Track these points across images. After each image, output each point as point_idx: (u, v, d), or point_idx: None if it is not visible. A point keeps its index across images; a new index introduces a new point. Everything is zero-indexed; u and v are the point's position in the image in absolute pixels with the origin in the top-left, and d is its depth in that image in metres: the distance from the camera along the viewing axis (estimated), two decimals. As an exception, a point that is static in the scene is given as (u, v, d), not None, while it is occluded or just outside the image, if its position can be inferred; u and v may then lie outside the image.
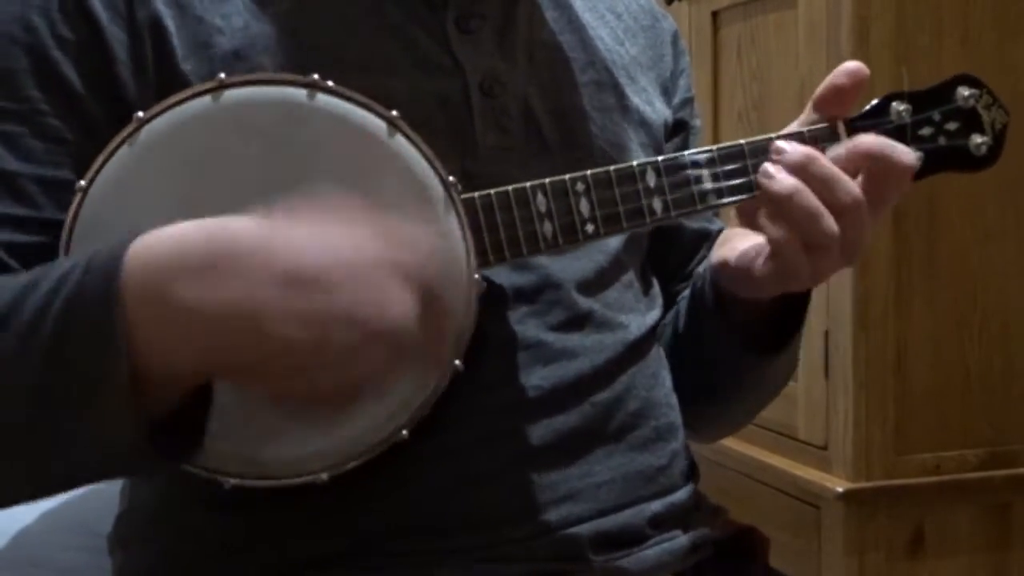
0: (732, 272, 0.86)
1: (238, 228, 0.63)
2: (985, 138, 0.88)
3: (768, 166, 0.79)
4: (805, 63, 1.80)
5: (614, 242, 0.88)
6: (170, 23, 0.77)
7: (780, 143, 0.81)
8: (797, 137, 0.83)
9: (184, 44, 0.77)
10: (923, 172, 0.85)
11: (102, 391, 0.62)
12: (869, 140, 0.80)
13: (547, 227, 0.77)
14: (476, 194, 0.75)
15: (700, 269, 0.96)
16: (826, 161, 0.79)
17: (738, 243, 0.86)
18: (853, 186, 0.79)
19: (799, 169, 0.79)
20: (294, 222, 0.63)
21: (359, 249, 0.63)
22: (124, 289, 0.62)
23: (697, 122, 1.02)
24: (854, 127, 0.84)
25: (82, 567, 1.01)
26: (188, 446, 0.67)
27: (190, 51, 0.77)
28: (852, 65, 0.83)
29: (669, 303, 0.99)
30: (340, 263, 0.62)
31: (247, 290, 0.61)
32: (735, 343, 0.90)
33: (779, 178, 0.78)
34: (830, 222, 0.77)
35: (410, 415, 0.74)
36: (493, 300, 0.77)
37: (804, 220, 0.78)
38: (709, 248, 1.02)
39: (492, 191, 0.76)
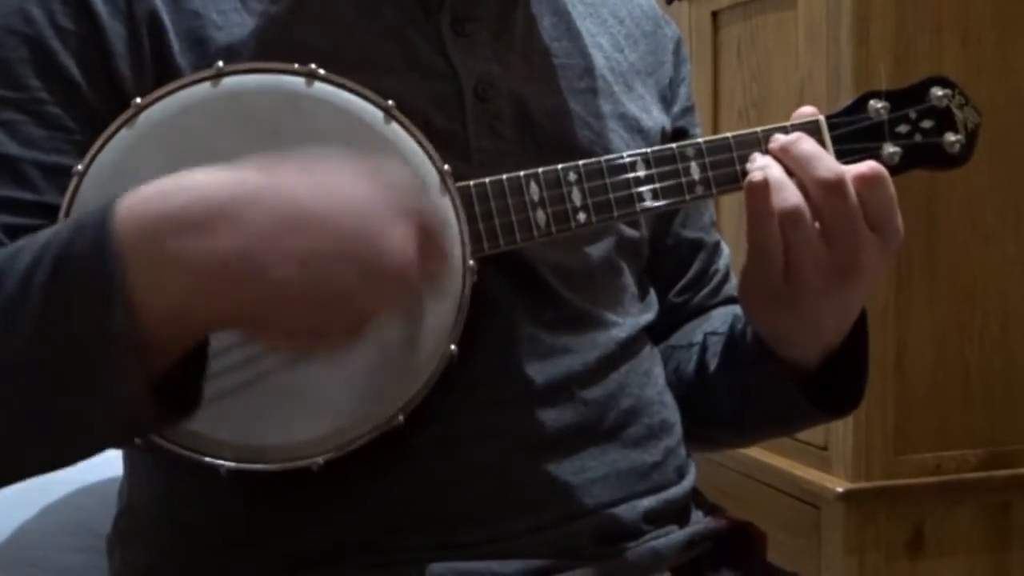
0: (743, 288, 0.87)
1: (231, 178, 0.63)
2: (958, 136, 0.90)
3: (757, 155, 0.83)
4: (805, 63, 1.80)
5: (606, 243, 0.89)
6: (167, 18, 0.78)
7: (777, 135, 0.83)
8: (781, 131, 0.85)
9: (181, 39, 0.77)
10: (900, 168, 0.87)
11: (102, 345, 0.62)
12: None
13: (540, 215, 0.78)
14: (471, 182, 0.77)
15: (722, 264, 0.97)
16: (809, 141, 0.82)
17: None
18: (834, 162, 0.81)
19: (782, 150, 0.82)
20: (283, 170, 0.64)
21: (352, 186, 0.64)
22: (118, 242, 0.62)
23: (698, 131, 1.03)
24: (833, 123, 0.87)
25: (80, 567, 1.01)
26: (184, 407, 0.67)
27: (187, 46, 0.77)
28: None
29: (666, 313, 0.99)
30: (336, 203, 0.63)
31: (245, 239, 0.61)
32: (784, 385, 0.89)
33: (759, 161, 0.82)
34: (792, 191, 0.80)
35: (407, 400, 0.75)
36: (487, 295, 0.78)
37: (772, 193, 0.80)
38: (705, 258, 1.03)
39: (487, 179, 0.77)
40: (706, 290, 1.02)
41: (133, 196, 0.63)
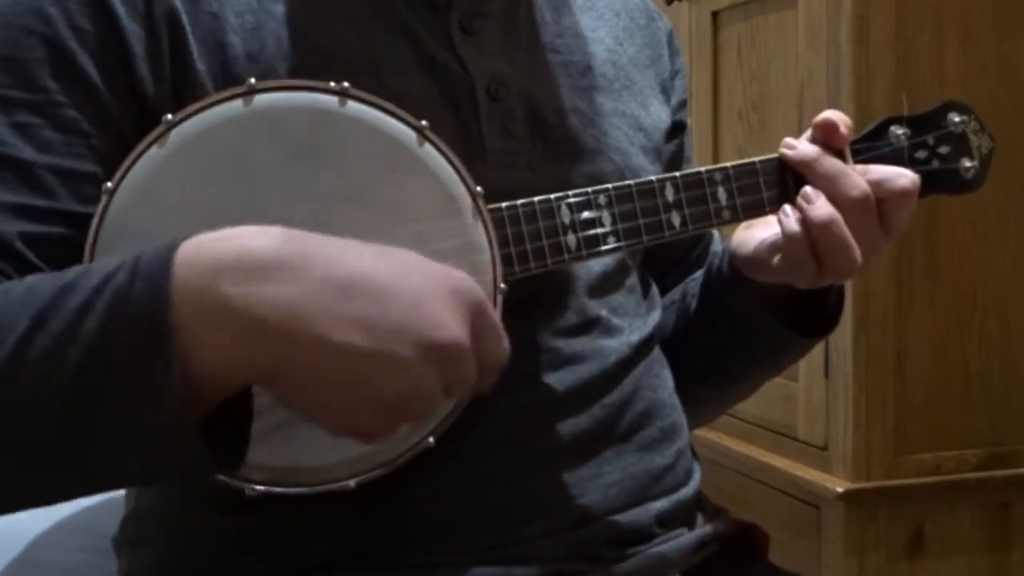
0: (746, 255, 0.88)
1: (295, 234, 0.63)
2: (973, 163, 0.91)
3: (809, 189, 0.84)
4: (805, 63, 1.80)
5: None
6: (186, 19, 0.76)
7: (790, 140, 0.85)
8: None
9: (199, 41, 0.76)
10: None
11: (149, 399, 0.61)
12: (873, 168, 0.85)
13: (571, 239, 0.79)
14: (503, 205, 0.76)
15: (716, 249, 0.97)
16: (833, 159, 0.84)
17: (759, 231, 0.88)
18: (860, 180, 0.83)
19: (806, 165, 0.84)
20: (351, 242, 0.64)
21: (419, 269, 0.64)
22: (174, 293, 0.60)
23: (688, 121, 1.04)
24: (855, 149, 0.87)
25: (84, 567, 1.01)
26: (228, 457, 0.66)
27: (204, 50, 0.76)
28: (828, 119, 0.86)
29: (661, 296, 0.99)
30: (399, 278, 0.63)
31: (302, 292, 0.60)
32: (763, 313, 0.91)
33: (818, 204, 0.83)
34: (855, 254, 0.82)
35: (437, 423, 0.74)
36: (508, 304, 0.77)
37: (834, 249, 0.82)
38: (703, 245, 1.04)
39: (519, 203, 0.77)
40: (699, 272, 1.03)
41: (196, 243, 0.62)
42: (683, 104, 1.02)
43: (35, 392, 0.62)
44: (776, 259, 0.85)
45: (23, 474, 0.66)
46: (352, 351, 0.61)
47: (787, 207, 0.84)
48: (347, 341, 0.60)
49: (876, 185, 0.83)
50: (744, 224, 0.90)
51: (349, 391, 0.62)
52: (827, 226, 0.81)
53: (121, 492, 0.91)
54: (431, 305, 0.63)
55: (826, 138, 0.85)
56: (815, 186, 0.83)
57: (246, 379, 0.63)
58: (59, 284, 0.63)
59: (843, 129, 0.85)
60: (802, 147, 0.85)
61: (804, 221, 0.82)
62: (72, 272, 0.65)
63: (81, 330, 0.61)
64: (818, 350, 1.76)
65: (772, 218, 0.86)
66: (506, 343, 0.68)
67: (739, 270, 0.90)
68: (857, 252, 0.82)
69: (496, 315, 0.68)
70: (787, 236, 0.83)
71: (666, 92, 0.99)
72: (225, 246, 0.62)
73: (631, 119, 0.92)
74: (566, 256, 0.78)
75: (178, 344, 0.60)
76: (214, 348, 0.61)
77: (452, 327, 0.63)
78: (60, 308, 0.62)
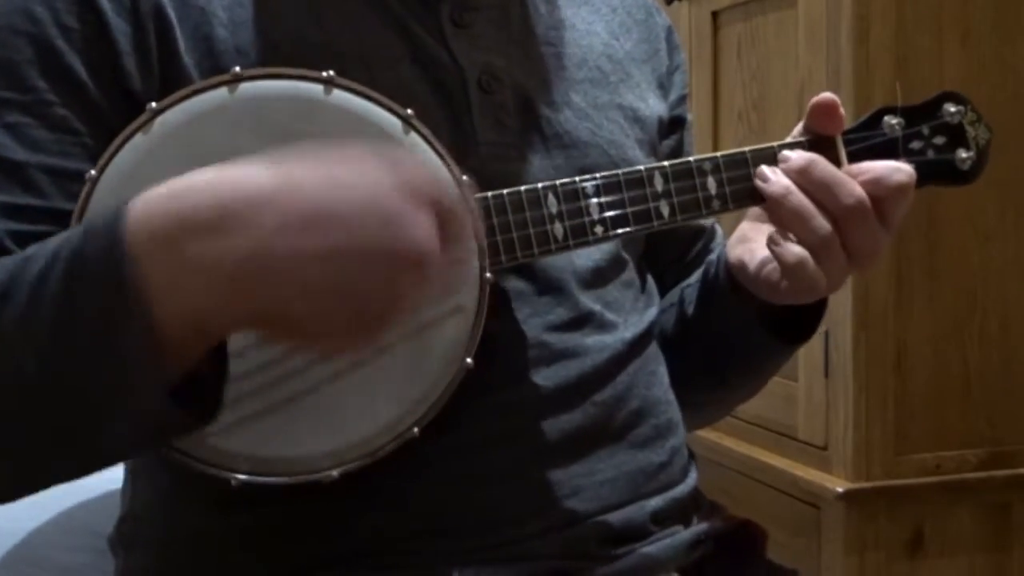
0: (751, 278, 0.87)
1: (242, 178, 0.62)
2: (970, 153, 0.90)
3: (765, 169, 0.83)
4: (805, 63, 1.80)
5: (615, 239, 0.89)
6: (172, 13, 0.76)
7: (785, 152, 0.83)
8: (799, 147, 0.85)
9: (186, 35, 0.77)
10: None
11: (119, 352, 0.62)
12: (867, 166, 0.83)
13: (558, 228, 0.78)
14: (489, 194, 0.76)
15: (712, 257, 0.97)
16: (826, 164, 0.82)
17: (755, 246, 0.86)
18: (856, 187, 0.81)
19: (798, 173, 0.82)
20: (298, 164, 0.63)
21: (366, 179, 0.62)
22: (131, 247, 0.61)
23: (690, 116, 1.03)
24: (848, 139, 0.86)
25: (82, 567, 1.01)
26: (205, 413, 0.67)
27: (192, 44, 0.76)
28: (824, 100, 0.85)
29: (661, 294, 0.99)
30: (350, 197, 0.62)
31: (260, 240, 0.60)
32: (756, 328, 0.91)
33: (773, 179, 0.82)
34: (821, 221, 0.80)
35: (422, 413, 0.74)
36: (497, 299, 0.77)
37: (795, 220, 0.80)
38: (704, 242, 1.03)
39: (505, 191, 0.77)
40: (699, 271, 1.02)
41: (144, 199, 0.62)
42: (683, 99, 1.01)
43: (12, 362, 0.64)
44: (783, 284, 0.83)
45: (9, 448, 0.67)
46: (315, 284, 0.61)
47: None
48: (306, 277, 0.61)
49: (873, 184, 0.82)
50: (736, 238, 0.89)
51: (322, 320, 0.63)
52: (784, 197, 0.81)
53: (117, 489, 0.91)
54: (392, 223, 0.62)
55: (824, 122, 0.84)
56: (811, 199, 0.82)
57: (216, 322, 0.63)
58: (18, 261, 0.65)
59: (841, 111, 0.84)
60: (794, 157, 0.83)
61: (766, 204, 0.82)
62: (31, 248, 0.66)
63: (44, 297, 0.63)
64: (818, 350, 1.77)
65: (765, 233, 0.85)
66: (478, 226, 0.69)
67: (737, 283, 0.89)
68: (820, 220, 0.80)
69: (460, 218, 0.66)
70: (770, 205, 0.82)
71: (663, 87, 0.99)
72: (175, 204, 0.62)
73: (627, 111, 0.92)
74: (553, 246, 0.78)
75: (140, 290, 0.61)
76: (177, 295, 0.61)
77: (415, 241, 0.62)
78: (21, 282, 0.64)
